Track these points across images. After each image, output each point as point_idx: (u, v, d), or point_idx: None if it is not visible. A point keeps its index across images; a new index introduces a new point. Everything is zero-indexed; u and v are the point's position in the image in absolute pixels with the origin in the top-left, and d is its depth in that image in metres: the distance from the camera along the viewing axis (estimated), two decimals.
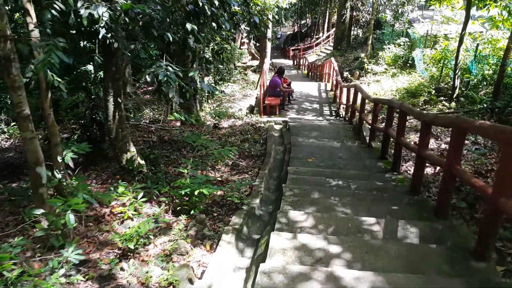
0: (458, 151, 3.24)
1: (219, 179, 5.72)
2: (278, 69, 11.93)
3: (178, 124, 9.42)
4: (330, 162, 5.74)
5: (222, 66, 17.09)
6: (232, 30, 6.54)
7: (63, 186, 3.91)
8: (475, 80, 9.63)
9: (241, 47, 20.83)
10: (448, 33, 14.19)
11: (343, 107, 10.80)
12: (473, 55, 10.08)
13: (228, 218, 4.42)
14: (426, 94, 11.00)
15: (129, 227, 3.80)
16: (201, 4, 4.58)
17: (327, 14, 33.07)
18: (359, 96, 8.35)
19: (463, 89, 10.15)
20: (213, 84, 15.16)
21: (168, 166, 6.34)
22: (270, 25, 20.24)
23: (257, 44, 25.98)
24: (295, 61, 30.21)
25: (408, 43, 16.62)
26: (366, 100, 7.73)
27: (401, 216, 3.49)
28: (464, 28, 9.32)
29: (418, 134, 7.58)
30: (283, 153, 7.44)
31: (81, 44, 4.63)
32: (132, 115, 10.12)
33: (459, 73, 9.74)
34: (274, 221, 3.58)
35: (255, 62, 22.49)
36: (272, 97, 11.46)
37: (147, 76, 4.34)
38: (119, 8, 4.03)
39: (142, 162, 5.48)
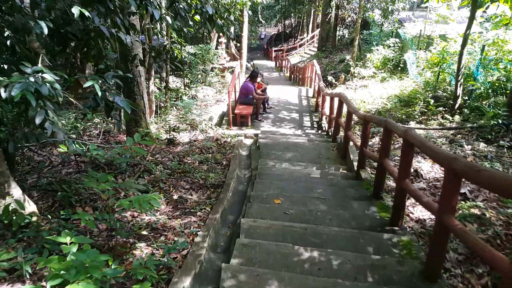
0: None
1: (144, 233, 4.03)
2: (251, 72, 10.24)
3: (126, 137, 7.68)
4: (304, 208, 4.09)
5: (195, 68, 15.39)
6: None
7: None
8: (482, 88, 8.13)
9: (217, 47, 19.09)
10: (444, 33, 12.74)
11: (325, 118, 9.21)
12: (478, 58, 8.58)
13: None
14: (422, 102, 9.49)
15: None
16: None
17: (312, 13, 31.55)
18: (345, 108, 6.76)
19: (465, 98, 8.67)
20: (187, 88, 13.45)
21: (85, 206, 4.63)
22: (246, 22, 18.63)
23: (238, 44, 24.35)
24: (277, 62, 28.61)
25: (399, 45, 15.16)
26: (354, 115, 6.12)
27: None
28: (469, 27, 7.80)
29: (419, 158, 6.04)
30: (248, 181, 5.79)
31: None
32: (72, 128, 8.34)
33: (461, 80, 8.25)
34: None
35: (235, 63, 20.88)
36: (243, 105, 9.77)
37: (1, 90, 2.63)
38: None
39: (30, 209, 3.74)
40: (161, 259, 3.43)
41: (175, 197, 5.14)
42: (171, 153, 7.03)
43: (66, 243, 2.78)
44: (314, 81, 13.12)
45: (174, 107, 11.31)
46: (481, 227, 3.79)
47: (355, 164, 5.71)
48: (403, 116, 9.20)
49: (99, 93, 3.05)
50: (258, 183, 4.92)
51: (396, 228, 3.60)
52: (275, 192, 4.62)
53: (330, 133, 8.00)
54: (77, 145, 3.27)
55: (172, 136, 7.58)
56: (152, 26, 8.01)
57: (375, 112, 9.88)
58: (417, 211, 4.53)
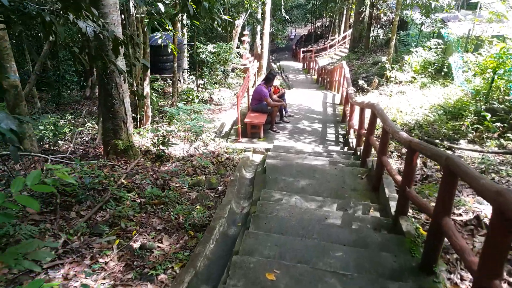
0: None
1: None
2: (267, 74, 8.72)
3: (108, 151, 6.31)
4: None
5: (211, 68, 14.04)
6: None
7: None
8: None
9: (239, 46, 17.67)
10: (497, 33, 10.78)
11: (354, 132, 7.59)
12: None
13: None
14: (472, 115, 7.73)
15: None
16: None
17: (345, 12, 29.67)
18: (379, 123, 5.16)
19: None
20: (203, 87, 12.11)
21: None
22: (267, 19, 17.06)
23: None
24: (305, 64, 26.96)
25: (442, 46, 13.25)
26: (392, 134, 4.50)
27: None
28: None
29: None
30: (244, 221, 4.29)
31: None
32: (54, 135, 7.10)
33: None
34: None
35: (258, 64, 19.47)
36: (255, 112, 8.26)
37: None
38: None
39: None
40: None
41: (136, 245, 3.70)
42: (156, 173, 5.62)
43: None
44: (342, 85, 11.46)
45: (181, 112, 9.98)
46: None
47: (392, 203, 4.12)
48: (450, 132, 7.47)
49: None
50: (250, 235, 3.40)
51: None
52: (271, 254, 3.11)
53: (358, 153, 6.38)
54: None
55: (161, 151, 6.18)
56: (144, 16, 6.62)
57: (414, 125, 8.16)
58: None
